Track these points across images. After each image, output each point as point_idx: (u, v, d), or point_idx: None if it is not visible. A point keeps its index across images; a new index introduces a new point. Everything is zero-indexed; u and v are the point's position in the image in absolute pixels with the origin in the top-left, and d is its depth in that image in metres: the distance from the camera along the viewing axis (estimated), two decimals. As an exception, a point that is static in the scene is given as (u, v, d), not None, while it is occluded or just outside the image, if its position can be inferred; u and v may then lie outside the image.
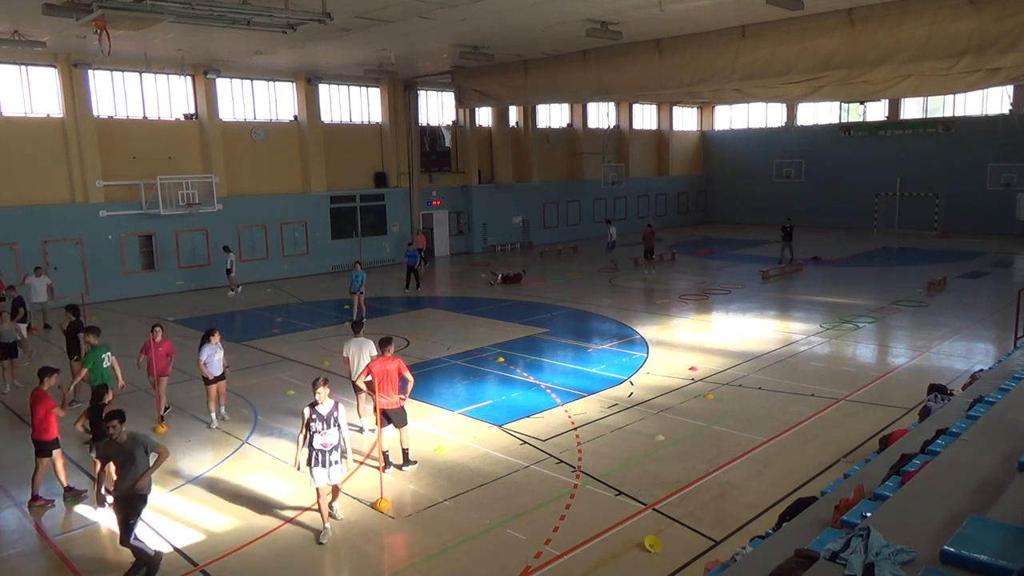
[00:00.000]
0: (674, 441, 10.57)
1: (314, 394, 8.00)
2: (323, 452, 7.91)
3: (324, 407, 7.98)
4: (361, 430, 11.23)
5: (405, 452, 9.89)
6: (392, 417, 9.74)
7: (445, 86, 31.34)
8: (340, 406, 8.15)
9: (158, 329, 11.94)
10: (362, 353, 10.92)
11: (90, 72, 23.33)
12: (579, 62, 23.80)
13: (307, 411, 7.97)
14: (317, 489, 8.01)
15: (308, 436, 7.93)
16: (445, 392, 13.36)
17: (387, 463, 9.68)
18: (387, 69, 26.31)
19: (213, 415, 11.74)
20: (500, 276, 25.31)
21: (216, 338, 11.63)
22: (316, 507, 8.25)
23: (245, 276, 26.60)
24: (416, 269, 24.24)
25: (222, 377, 11.70)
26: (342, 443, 8.14)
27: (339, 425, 8.06)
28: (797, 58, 18.71)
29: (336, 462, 8.02)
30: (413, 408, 12.24)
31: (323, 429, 7.91)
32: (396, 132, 31.01)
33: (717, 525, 8.05)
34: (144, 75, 24.59)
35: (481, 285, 25.07)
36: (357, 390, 11.14)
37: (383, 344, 9.89)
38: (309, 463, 7.95)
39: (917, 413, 9.75)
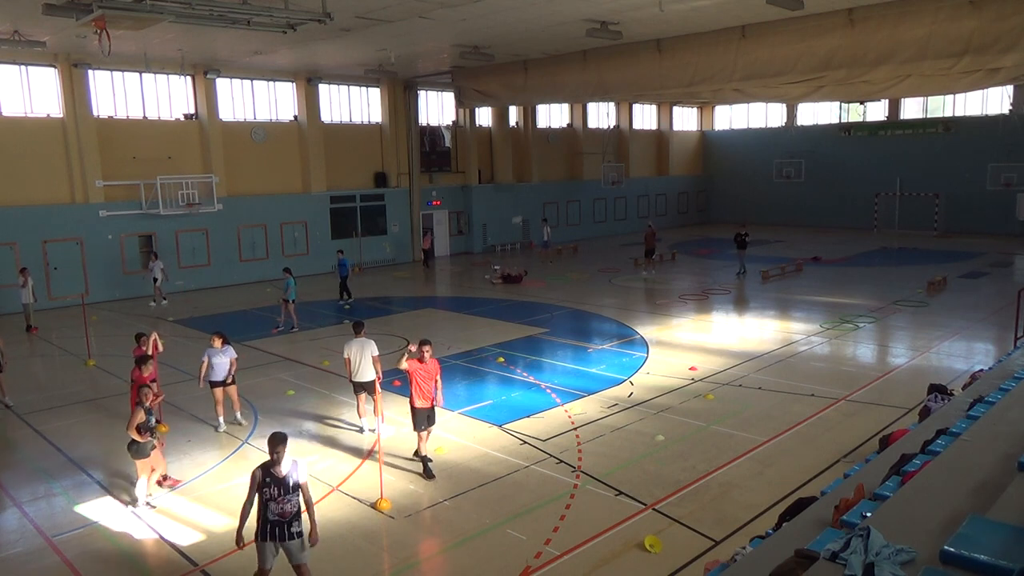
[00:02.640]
0: (674, 441, 10.57)
1: (271, 454, 6.38)
2: (280, 523, 6.36)
3: (282, 467, 6.38)
4: (361, 430, 11.24)
5: (425, 464, 9.72)
6: (430, 417, 9.73)
7: (445, 86, 31.34)
8: (300, 463, 6.53)
9: (144, 337, 11.76)
10: (364, 354, 10.92)
11: (90, 72, 23.33)
12: (579, 62, 23.80)
13: (259, 472, 6.37)
14: (264, 572, 6.51)
15: (261, 503, 6.39)
16: (445, 392, 13.33)
17: (427, 470, 9.59)
18: (387, 69, 26.31)
19: (220, 419, 11.52)
20: (500, 274, 25.25)
21: (217, 342, 11.32)
22: None
23: (247, 276, 26.61)
24: (346, 279, 22.37)
25: (222, 383, 11.33)
26: (304, 510, 6.56)
27: (301, 488, 6.47)
28: (797, 58, 18.72)
29: (299, 534, 6.44)
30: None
31: (279, 495, 6.33)
32: (396, 132, 31.01)
33: (717, 525, 8.05)
34: (144, 75, 24.58)
35: (481, 285, 25.05)
36: (357, 391, 11.15)
37: (421, 344, 9.63)
38: (259, 536, 6.42)
39: (917, 413, 9.75)
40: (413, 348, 9.79)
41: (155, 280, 22.38)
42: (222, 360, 11.26)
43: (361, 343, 10.98)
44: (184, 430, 11.60)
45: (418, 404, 9.63)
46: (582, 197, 38.94)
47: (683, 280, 25.19)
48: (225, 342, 11.45)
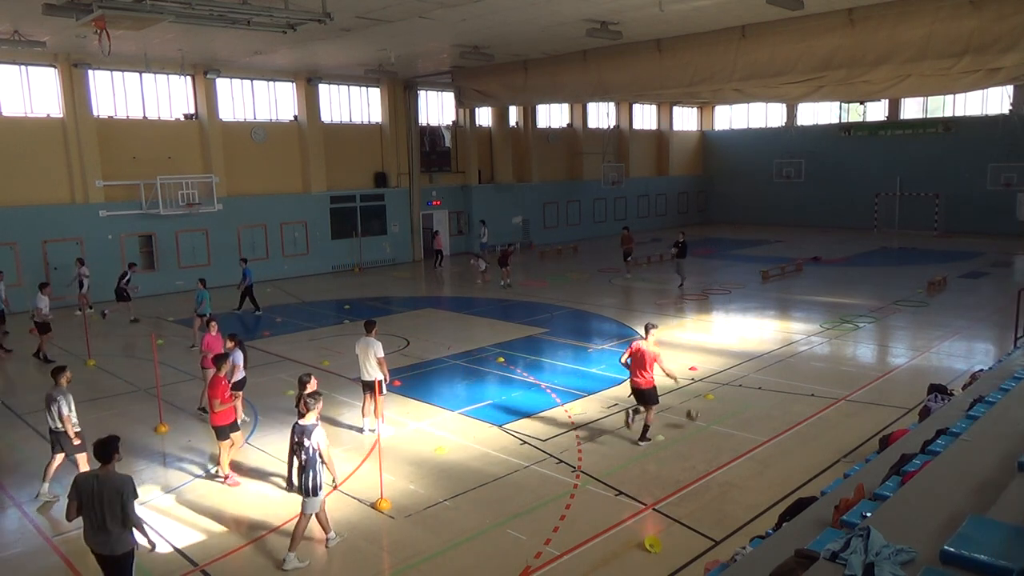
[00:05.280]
0: (674, 441, 10.57)
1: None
2: None
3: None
4: (361, 430, 11.24)
5: (646, 428, 10.47)
6: (644, 396, 10.41)
7: (445, 86, 31.34)
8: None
9: (213, 324, 12.07)
10: (367, 353, 10.92)
11: (90, 72, 23.33)
12: (579, 62, 23.79)
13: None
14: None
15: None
16: (445, 392, 13.36)
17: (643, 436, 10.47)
18: (387, 69, 26.31)
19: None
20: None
21: (227, 344, 11.25)
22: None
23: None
24: (250, 288, 20.71)
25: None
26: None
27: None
28: (797, 58, 18.71)
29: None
30: (413, 408, 12.28)
31: None
32: (396, 132, 31.00)
33: (717, 525, 8.05)
34: (144, 75, 24.58)
35: (481, 285, 24.96)
36: (364, 389, 11.15)
37: (647, 329, 10.70)
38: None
39: (917, 413, 9.75)
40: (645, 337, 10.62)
41: (80, 287, 20.51)
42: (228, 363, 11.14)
43: (366, 342, 11.00)
44: (185, 430, 11.60)
45: (635, 382, 10.38)
46: (582, 197, 38.94)
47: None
48: (236, 345, 11.28)
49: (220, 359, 9.83)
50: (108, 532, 6.06)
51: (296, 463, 7.60)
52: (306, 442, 7.47)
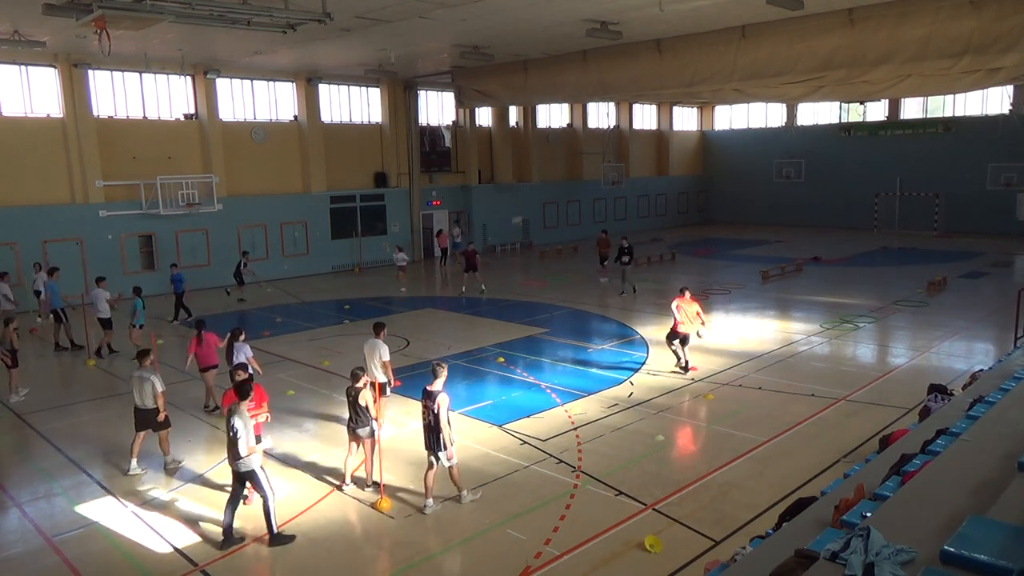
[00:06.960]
0: (674, 441, 10.57)
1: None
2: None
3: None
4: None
5: (687, 363, 13.84)
6: (687, 338, 13.84)
7: (445, 86, 31.34)
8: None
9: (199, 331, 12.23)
10: (372, 355, 10.91)
11: (90, 72, 23.33)
12: (579, 62, 23.79)
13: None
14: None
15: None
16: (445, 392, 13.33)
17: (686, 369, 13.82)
18: (387, 69, 26.31)
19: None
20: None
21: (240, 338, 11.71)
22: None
23: (247, 276, 26.53)
24: (181, 296, 20.05)
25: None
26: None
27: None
28: (797, 58, 18.71)
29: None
30: (413, 408, 12.25)
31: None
32: (396, 132, 31.00)
33: (717, 525, 8.05)
34: (144, 75, 24.58)
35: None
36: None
37: (682, 291, 14.06)
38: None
39: (917, 413, 9.75)
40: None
41: (38, 293, 19.28)
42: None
43: (372, 344, 11.01)
44: (185, 430, 11.59)
45: (679, 330, 13.75)
46: (582, 197, 38.94)
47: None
48: (242, 338, 11.72)
49: (239, 367, 9.77)
50: (234, 454, 7.84)
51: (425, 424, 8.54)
52: (431, 405, 8.34)
